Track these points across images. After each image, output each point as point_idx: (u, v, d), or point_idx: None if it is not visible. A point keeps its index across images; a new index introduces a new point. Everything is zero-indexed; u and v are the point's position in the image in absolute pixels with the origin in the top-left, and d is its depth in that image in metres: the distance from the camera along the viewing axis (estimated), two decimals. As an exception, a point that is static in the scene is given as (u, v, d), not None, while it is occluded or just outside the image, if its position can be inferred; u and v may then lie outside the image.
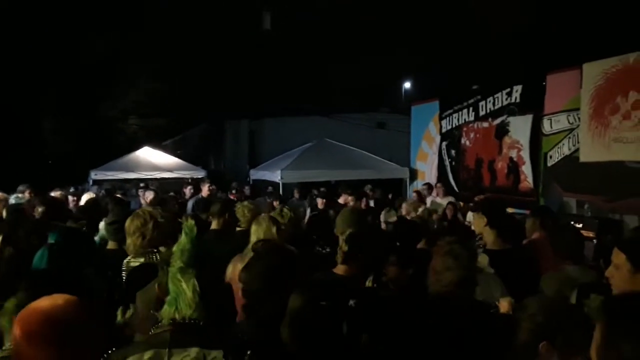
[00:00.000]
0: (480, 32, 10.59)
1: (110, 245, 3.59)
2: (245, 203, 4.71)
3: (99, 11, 16.26)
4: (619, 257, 2.17)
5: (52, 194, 6.71)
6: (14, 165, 11.95)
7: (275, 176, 11.59)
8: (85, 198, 7.22)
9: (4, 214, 5.39)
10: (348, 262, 2.93)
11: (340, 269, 2.94)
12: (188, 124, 21.66)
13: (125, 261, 3.15)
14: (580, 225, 6.81)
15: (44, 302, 1.39)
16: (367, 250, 3.00)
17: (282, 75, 20.94)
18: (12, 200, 7.21)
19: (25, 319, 1.34)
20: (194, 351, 1.60)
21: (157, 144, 17.13)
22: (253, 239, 3.30)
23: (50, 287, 1.77)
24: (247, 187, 11.53)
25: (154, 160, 14.72)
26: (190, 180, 14.81)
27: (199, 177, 14.96)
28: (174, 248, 1.75)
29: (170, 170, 14.51)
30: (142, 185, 12.08)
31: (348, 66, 20.47)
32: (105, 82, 16.79)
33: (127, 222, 3.23)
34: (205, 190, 8.51)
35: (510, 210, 8.32)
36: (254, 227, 3.38)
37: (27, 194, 7.71)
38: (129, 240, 3.23)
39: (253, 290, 2.11)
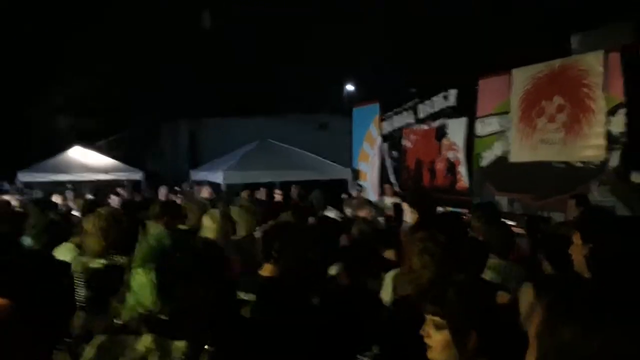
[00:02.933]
0: (418, 36, 10.96)
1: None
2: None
3: (32, 5, 15.33)
4: (575, 235, 2.39)
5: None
6: None
7: (218, 177, 11.38)
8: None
9: None
10: (270, 261, 2.83)
11: (266, 270, 2.81)
12: (122, 125, 20.80)
13: (78, 262, 2.99)
14: (513, 223, 7.21)
15: None
16: (283, 249, 2.95)
17: (223, 74, 20.61)
18: None
19: None
20: (157, 339, 1.62)
21: (89, 144, 16.31)
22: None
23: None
24: (188, 188, 11.27)
25: (87, 161, 14.02)
26: (125, 183, 14.31)
27: (136, 178, 14.45)
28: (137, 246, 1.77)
29: (105, 171, 13.89)
30: (69, 186, 11.54)
31: (291, 67, 20.48)
32: (33, 79, 15.79)
33: (88, 222, 3.11)
34: (205, 192, 8.84)
35: (448, 209, 8.73)
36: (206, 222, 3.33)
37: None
38: (88, 240, 3.10)
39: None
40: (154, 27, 17.47)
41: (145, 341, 1.63)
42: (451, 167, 10.15)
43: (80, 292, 2.91)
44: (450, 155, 10.17)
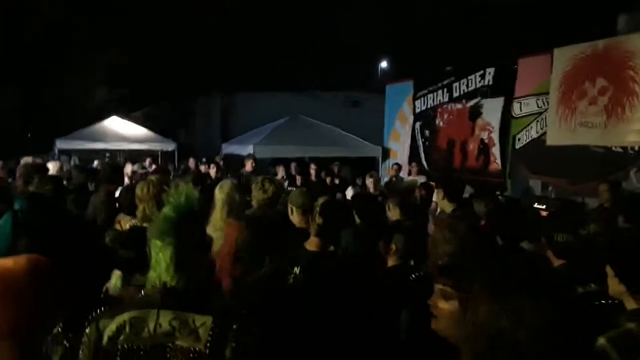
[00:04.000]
0: (456, 13, 10.61)
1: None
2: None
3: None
4: None
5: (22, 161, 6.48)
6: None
7: (248, 150, 11.48)
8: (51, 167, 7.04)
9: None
10: (321, 235, 2.92)
11: (312, 244, 2.89)
12: (157, 96, 21.15)
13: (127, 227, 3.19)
14: (544, 206, 7.04)
15: (5, 261, 1.37)
16: (338, 223, 3.02)
17: (257, 50, 20.62)
18: None
19: None
20: (182, 315, 1.61)
21: (125, 114, 16.67)
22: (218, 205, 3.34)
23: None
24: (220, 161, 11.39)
25: (123, 130, 14.33)
26: (159, 153, 14.62)
27: (169, 149, 14.74)
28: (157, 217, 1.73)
29: (139, 141, 14.18)
30: (107, 155, 11.86)
31: (326, 43, 20.30)
32: (73, 51, 16.17)
33: (139, 189, 3.28)
34: (248, 166, 8.86)
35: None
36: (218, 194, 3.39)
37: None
38: (140, 207, 3.27)
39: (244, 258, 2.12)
40: (193, 3, 17.57)
41: (167, 317, 1.60)
42: (484, 148, 9.92)
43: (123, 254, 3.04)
44: (484, 135, 9.94)
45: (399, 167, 10.51)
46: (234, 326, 1.60)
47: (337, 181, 9.10)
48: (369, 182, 7.56)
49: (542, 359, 1.02)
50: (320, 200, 3.16)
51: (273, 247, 2.43)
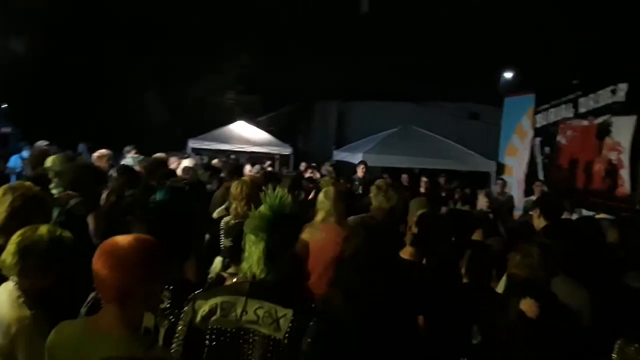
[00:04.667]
0: (586, 20, 9.78)
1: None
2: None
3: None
4: None
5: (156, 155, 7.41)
6: (120, 129, 13.29)
7: (358, 158, 11.74)
8: (185, 163, 8.01)
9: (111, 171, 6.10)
10: (416, 245, 3.04)
11: (406, 252, 3.00)
12: (281, 102, 22.39)
13: (224, 221, 3.61)
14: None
15: (120, 238, 1.65)
16: (435, 235, 3.10)
17: (376, 58, 20.83)
18: (129, 159, 8.23)
19: (100, 247, 1.63)
20: (267, 305, 1.77)
21: (252, 119, 18.01)
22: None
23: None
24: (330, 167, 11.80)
25: (247, 134, 15.53)
26: (278, 157, 15.57)
27: (286, 153, 15.61)
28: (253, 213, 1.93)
29: (260, 144, 15.25)
30: (232, 156, 12.93)
31: (445, 52, 19.86)
32: (206, 57, 17.83)
33: (233, 188, 3.63)
34: (360, 172, 9.15)
35: (603, 215, 7.89)
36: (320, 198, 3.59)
37: (132, 154, 8.70)
38: (233, 205, 3.62)
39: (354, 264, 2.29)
40: (312, 10, 18.34)
41: (253, 305, 1.78)
42: (612, 169, 9.09)
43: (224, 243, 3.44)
44: (612, 156, 9.10)
45: (504, 183, 10.01)
46: (312, 322, 1.75)
47: (443, 194, 8.98)
48: (481, 199, 7.27)
49: None
50: (419, 212, 3.28)
51: (384, 255, 2.48)
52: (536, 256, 2.52)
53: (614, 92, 9.08)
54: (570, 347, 2.29)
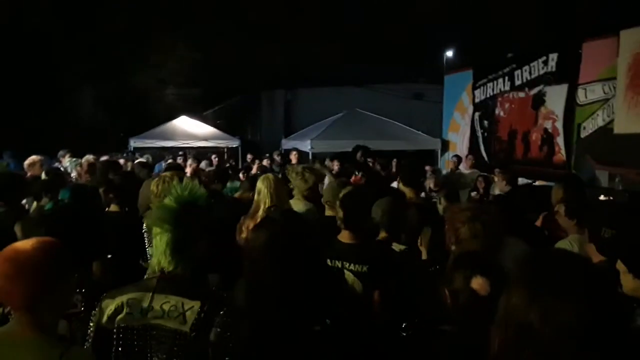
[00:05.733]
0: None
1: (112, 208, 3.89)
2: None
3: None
4: None
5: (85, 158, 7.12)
6: (52, 131, 12.68)
7: (306, 145, 11.72)
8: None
9: (43, 175, 5.79)
10: (349, 227, 2.93)
11: (344, 236, 2.91)
12: (226, 95, 22.00)
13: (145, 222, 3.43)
14: (610, 199, 6.61)
15: (20, 243, 1.59)
16: (362, 215, 3.04)
17: (319, 44, 20.77)
18: (67, 163, 7.86)
19: (0, 255, 1.55)
20: (173, 299, 1.73)
21: (197, 114, 17.57)
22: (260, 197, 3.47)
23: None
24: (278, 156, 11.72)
25: (191, 129, 15.12)
26: (225, 150, 15.30)
27: (234, 145, 15.36)
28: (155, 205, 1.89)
29: (206, 139, 14.90)
30: (180, 153, 12.59)
31: (388, 34, 20.07)
32: (141, 51, 17.22)
33: (153, 185, 3.44)
34: (293, 159, 9.41)
35: (542, 182, 8.20)
36: (259, 185, 3.50)
37: (67, 158, 8.28)
38: (155, 202, 3.40)
39: (254, 257, 2.10)
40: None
41: (159, 300, 1.74)
42: (548, 138, 9.45)
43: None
44: (547, 125, 9.46)
45: (459, 159, 10.23)
46: (221, 312, 1.70)
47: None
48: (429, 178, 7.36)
49: (569, 356, 1.04)
50: (342, 192, 3.20)
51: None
52: (481, 228, 2.48)
53: (545, 62, 9.40)
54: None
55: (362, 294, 2.74)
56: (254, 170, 8.87)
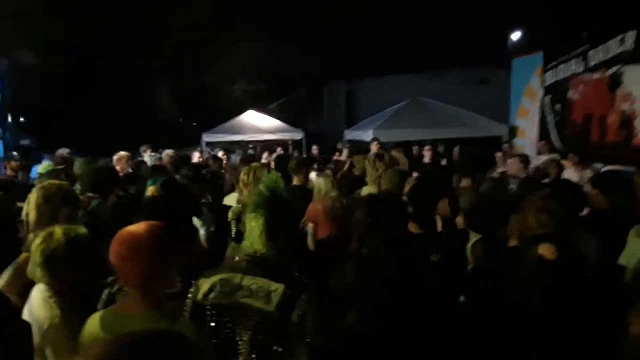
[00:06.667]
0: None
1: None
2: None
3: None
4: None
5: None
6: (131, 127, 13.55)
7: (369, 136, 11.76)
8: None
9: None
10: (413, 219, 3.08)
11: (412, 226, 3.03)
12: (290, 88, 22.41)
13: (233, 209, 3.71)
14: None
15: (132, 227, 1.80)
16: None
17: (381, 33, 20.58)
18: (147, 158, 8.48)
19: (116, 238, 1.78)
20: (260, 280, 1.91)
21: (263, 107, 18.10)
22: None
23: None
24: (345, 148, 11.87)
25: (258, 123, 15.65)
26: (290, 142, 15.69)
27: (298, 138, 15.71)
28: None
29: (272, 132, 15.36)
30: (250, 146, 13.17)
31: (448, 19, 19.51)
32: (210, 48, 17.89)
33: (243, 175, 3.81)
34: (374, 148, 8.87)
35: (620, 167, 7.81)
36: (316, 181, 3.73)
37: (148, 153, 8.92)
38: (245, 191, 3.77)
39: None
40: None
41: (248, 281, 1.91)
42: (626, 120, 8.94)
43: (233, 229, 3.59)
44: (625, 107, 8.95)
45: (510, 146, 9.90)
46: (303, 296, 1.87)
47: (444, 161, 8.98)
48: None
49: None
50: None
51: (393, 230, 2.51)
52: (555, 212, 2.46)
53: (622, 40, 8.88)
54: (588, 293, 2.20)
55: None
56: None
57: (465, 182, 4.53)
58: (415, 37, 20.59)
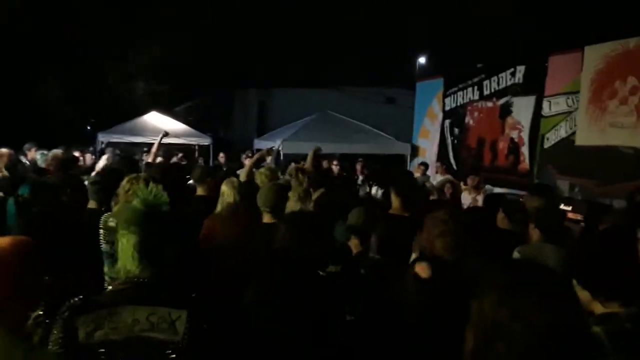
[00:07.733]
0: (488, 11, 10.41)
1: (90, 204, 3.68)
2: (262, 169, 4.82)
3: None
4: None
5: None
6: (21, 126, 12.30)
7: (276, 146, 11.69)
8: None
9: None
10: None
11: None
12: (197, 92, 21.75)
13: (102, 219, 3.32)
14: (570, 208, 6.85)
15: None
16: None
17: (294, 46, 20.80)
18: (38, 156, 7.63)
19: None
20: (160, 310, 1.67)
21: (167, 109, 17.25)
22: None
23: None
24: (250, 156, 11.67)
25: (161, 125, 14.80)
26: (196, 147, 15.10)
27: (205, 143, 15.17)
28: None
29: (177, 135, 14.62)
30: (145, 149, 12.34)
31: (361, 40, 20.26)
32: (112, 45, 16.84)
33: (123, 183, 3.38)
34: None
35: (507, 190, 8.45)
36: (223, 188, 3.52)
37: (33, 151, 8.05)
38: (121, 200, 3.33)
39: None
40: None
41: (144, 312, 1.66)
42: (514, 147, 9.74)
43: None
44: (514, 134, 9.75)
45: (426, 166, 10.37)
46: (208, 319, 1.70)
47: (360, 178, 9.15)
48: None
49: (539, 353, 1.11)
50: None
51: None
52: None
53: (513, 74, 9.68)
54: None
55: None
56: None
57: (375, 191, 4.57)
58: (328, 53, 21.09)
